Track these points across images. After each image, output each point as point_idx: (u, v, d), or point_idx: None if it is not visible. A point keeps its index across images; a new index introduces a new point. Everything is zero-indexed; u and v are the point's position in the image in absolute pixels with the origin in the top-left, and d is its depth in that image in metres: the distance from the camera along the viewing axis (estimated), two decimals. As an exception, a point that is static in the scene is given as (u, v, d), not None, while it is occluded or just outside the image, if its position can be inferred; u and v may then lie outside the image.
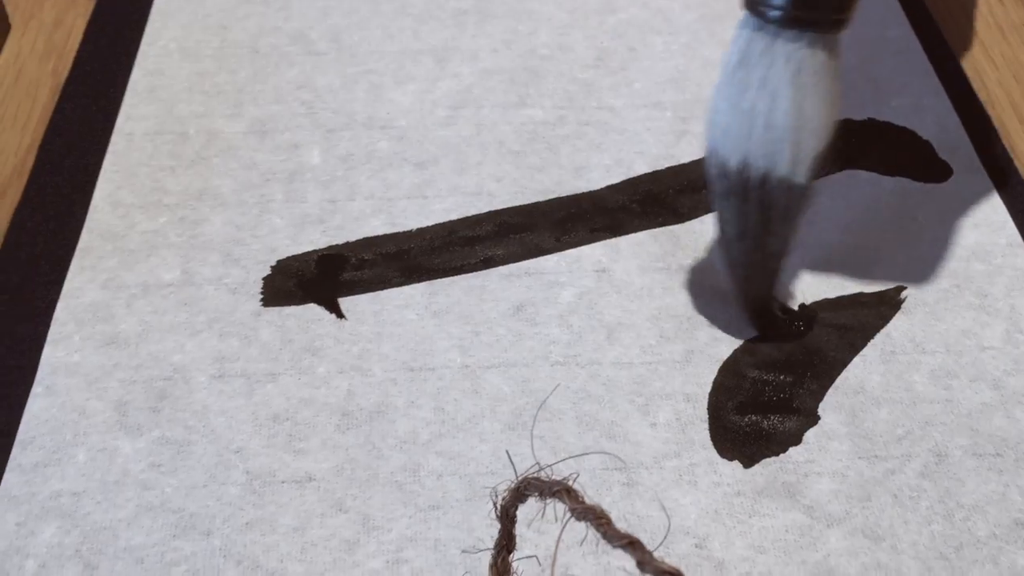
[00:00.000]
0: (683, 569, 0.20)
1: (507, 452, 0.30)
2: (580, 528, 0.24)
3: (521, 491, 0.24)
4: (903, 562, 0.28)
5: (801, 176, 0.30)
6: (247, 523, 0.30)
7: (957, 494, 0.30)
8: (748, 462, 0.31)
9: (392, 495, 0.31)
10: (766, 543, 0.29)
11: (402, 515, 0.31)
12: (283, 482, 0.31)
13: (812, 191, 0.31)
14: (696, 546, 0.29)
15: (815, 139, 0.29)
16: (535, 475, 0.24)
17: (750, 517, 0.30)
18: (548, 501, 0.23)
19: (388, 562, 0.30)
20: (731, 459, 0.31)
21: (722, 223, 0.32)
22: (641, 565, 0.21)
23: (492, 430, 0.32)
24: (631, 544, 0.21)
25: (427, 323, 0.36)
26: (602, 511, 0.22)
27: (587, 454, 0.30)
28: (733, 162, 0.30)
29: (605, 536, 0.22)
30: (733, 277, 0.34)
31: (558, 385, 0.33)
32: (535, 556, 0.28)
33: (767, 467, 0.31)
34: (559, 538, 0.24)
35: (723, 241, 0.33)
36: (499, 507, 0.25)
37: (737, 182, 0.30)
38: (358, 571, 0.29)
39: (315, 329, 0.35)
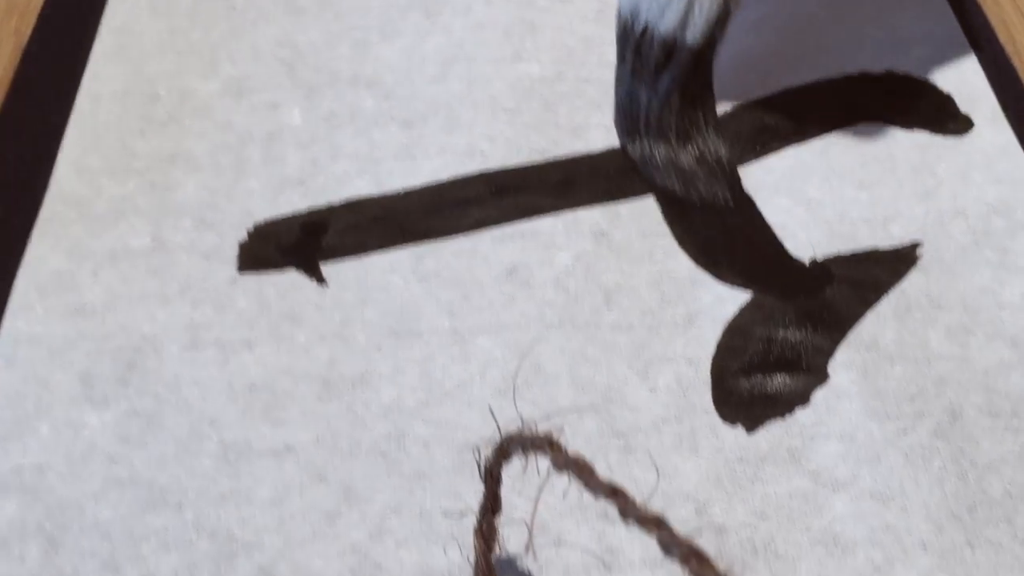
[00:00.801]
0: (691, 539, 0.21)
1: (490, 409, 0.31)
2: (565, 485, 0.25)
3: (505, 448, 0.25)
4: (913, 523, 0.30)
5: (692, 38, 0.35)
6: (221, 495, 0.32)
7: (971, 454, 0.31)
8: (752, 426, 0.32)
9: (375, 465, 0.32)
10: (769, 509, 0.30)
11: (386, 485, 0.32)
12: (260, 453, 0.32)
13: (707, 55, 0.36)
14: (696, 511, 0.30)
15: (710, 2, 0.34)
16: (518, 432, 0.25)
17: (752, 483, 0.31)
18: (532, 456, 0.24)
19: (371, 533, 0.31)
20: (734, 423, 0.32)
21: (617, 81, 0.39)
22: (624, 514, 0.22)
23: (482, 396, 0.34)
24: (614, 493, 0.22)
25: (414, 288, 0.37)
26: (585, 462, 0.23)
27: (577, 412, 0.32)
28: (627, 16, 0.36)
29: (587, 487, 0.23)
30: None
31: (552, 348, 0.34)
32: (524, 522, 0.29)
33: (771, 431, 0.32)
34: (539, 493, 0.25)
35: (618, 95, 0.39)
36: (483, 467, 0.26)
37: (631, 39, 0.36)
38: (339, 543, 0.31)
39: (294, 296, 0.36)
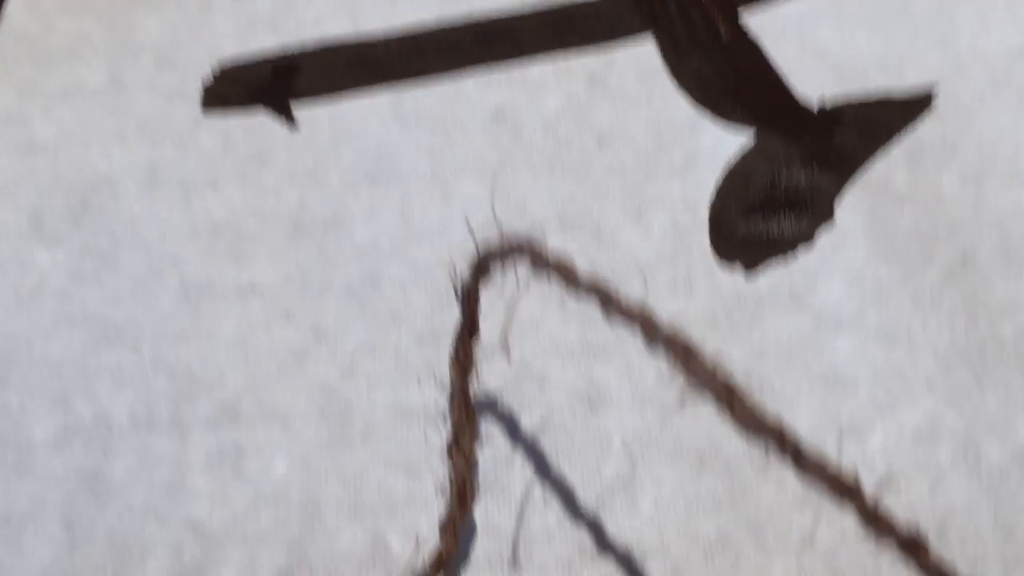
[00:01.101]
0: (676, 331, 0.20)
1: (466, 219, 0.29)
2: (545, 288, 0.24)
3: (483, 263, 0.24)
4: (919, 363, 0.29)
5: None
6: (181, 333, 0.31)
7: (983, 296, 0.30)
8: (751, 268, 0.31)
9: (348, 305, 0.31)
10: (767, 349, 0.30)
11: (359, 325, 0.31)
12: (223, 292, 0.31)
13: None
14: (689, 353, 0.30)
15: None
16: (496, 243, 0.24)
17: (751, 324, 0.30)
18: (511, 264, 0.23)
19: (342, 372, 0.30)
20: (732, 266, 0.31)
21: None
22: (606, 309, 0.21)
23: (463, 238, 0.33)
24: (595, 289, 0.21)
25: (392, 130, 0.36)
26: (564, 260, 0.22)
27: (565, 253, 0.31)
28: None
29: (568, 286, 0.22)
30: None
31: (539, 191, 0.33)
32: (501, 346, 0.28)
33: (772, 273, 0.31)
34: (515, 301, 0.24)
35: None
36: (459, 287, 0.25)
37: None
38: (308, 381, 0.30)
39: (263, 137, 0.35)
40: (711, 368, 0.19)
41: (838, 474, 0.18)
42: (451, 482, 0.25)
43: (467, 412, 0.26)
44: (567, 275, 0.21)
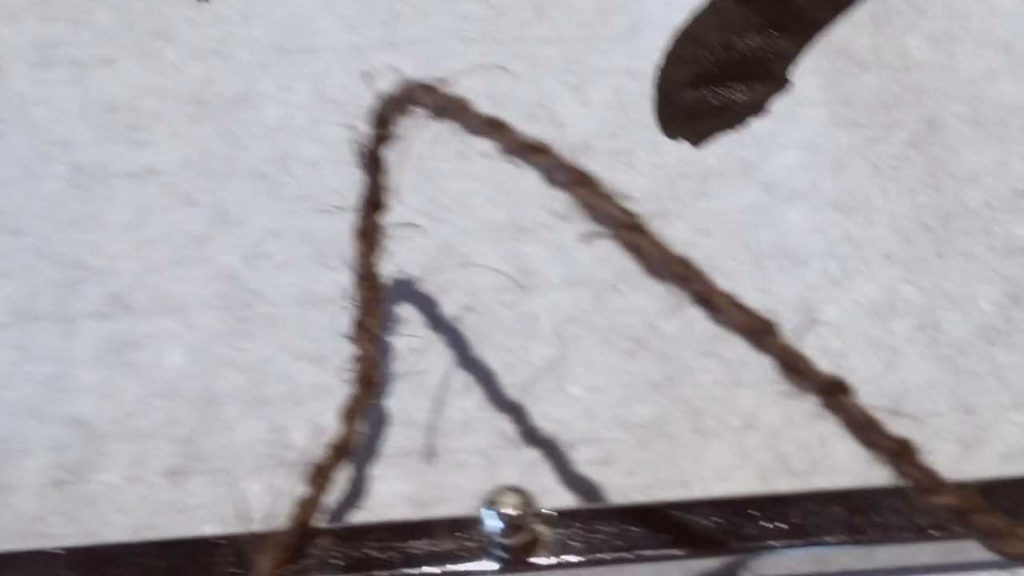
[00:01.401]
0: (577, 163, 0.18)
1: (364, 74, 0.27)
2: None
3: (383, 116, 0.22)
4: (878, 233, 0.27)
5: None
6: (69, 220, 0.29)
7: (949, 163, 0.28)
8: (698, 139, 0.29)
9: (254, 187, 0.30)
10: (713, 225, 0.28)
11: (265, 207, 0.29)
12: (116, 176, 0.30)
13: None
14: (627, 230, 0.28)
15: None
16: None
17: (696, 199, 0.28)
18: (413, 110, 0.21)
19: (245, 257, 0.28)
20: (678, 138, 0.30)
21: None
22: (505, 148, 0.19)
23: (383, 115, 0.31)
24: (492, 125, 0.19)
25: (307, 1, 0.34)
26: (461, 98, 0.20)
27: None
28: None
29: (464, 125, 0.20)
30: None
31: (469, 64, 0.32)
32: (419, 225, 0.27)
33: (722, 144, 0.29)
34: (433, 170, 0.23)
35: None
36: (361, 150, 0.23)
37: None
38: (207, 267, 0.28)
39: (165, 11, 0.33)
40: (616, 202, 0.17)
41: (752, 314, 0.17)
42: (355, 365, 0.24)
43: (373, 288, 0.24)
44: (462, 114, 0.19)
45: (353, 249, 0.24)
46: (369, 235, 0.24)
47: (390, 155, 0.24)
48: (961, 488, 0.17)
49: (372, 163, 0.24)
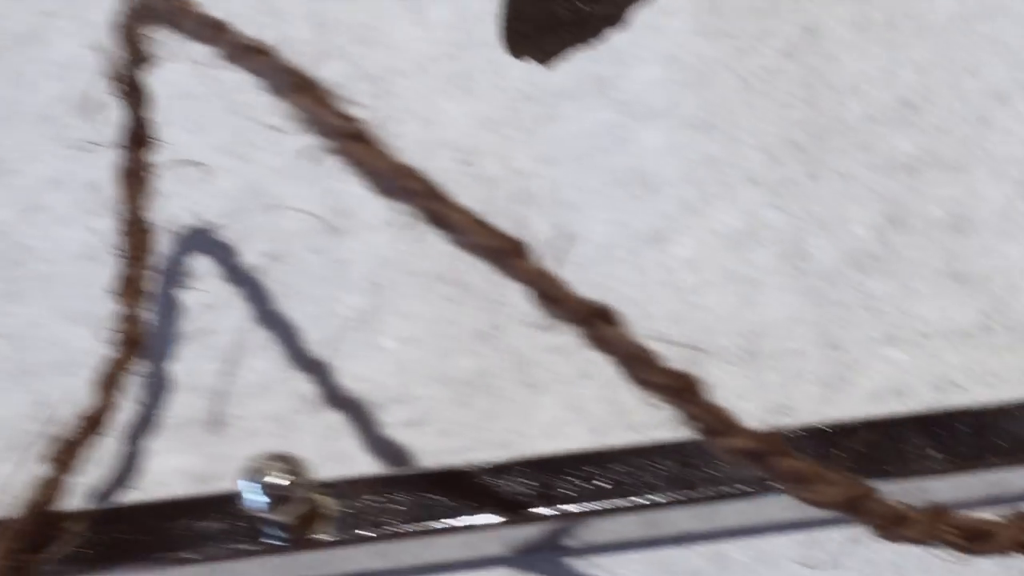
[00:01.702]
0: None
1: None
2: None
3: (132, 36, 0.19)
4: (742, 154, 0.24)
5: None
6: None
7: (828, 74, 0.26)
8: (546, 58, 0.27)
9: (36, 132, 0.27)
10: (558, 152, 0.25)
11: (47, 154, 0.26)
12: None
13: None
14: (461, 161, 0.25)
15: None
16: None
17: (541, 124, 0.26)
18: (173, 31, 0.19)
19: (21, 210, 0.26)
20: (524, 56, 0.27)
21: None
22: (223, 52, 0.17)
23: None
24: (210, 25, 0.16)
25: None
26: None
27: (316, 55, 0.26)
28: None
29: (183, 31, 0.17)
30: None
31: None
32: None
33: (572, 63, 0.27)
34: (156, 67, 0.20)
35: None
36: (114, 77, 0.20)
37: None
38: (-26, 225, 0.26)
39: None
40: (336, 109, 0.15)
41: (495, 232, 0.14)
42: (118, 324, 0.21)
43: (140, 236, 0.21)
44: (184, 15, 0.17)
45: (116, 192, 0.22)
46: (133, 175, 0.21)
47: (148, 80, 0.22)
48: (758, 430, 0.14)
49: (130, 91, 0.21)
